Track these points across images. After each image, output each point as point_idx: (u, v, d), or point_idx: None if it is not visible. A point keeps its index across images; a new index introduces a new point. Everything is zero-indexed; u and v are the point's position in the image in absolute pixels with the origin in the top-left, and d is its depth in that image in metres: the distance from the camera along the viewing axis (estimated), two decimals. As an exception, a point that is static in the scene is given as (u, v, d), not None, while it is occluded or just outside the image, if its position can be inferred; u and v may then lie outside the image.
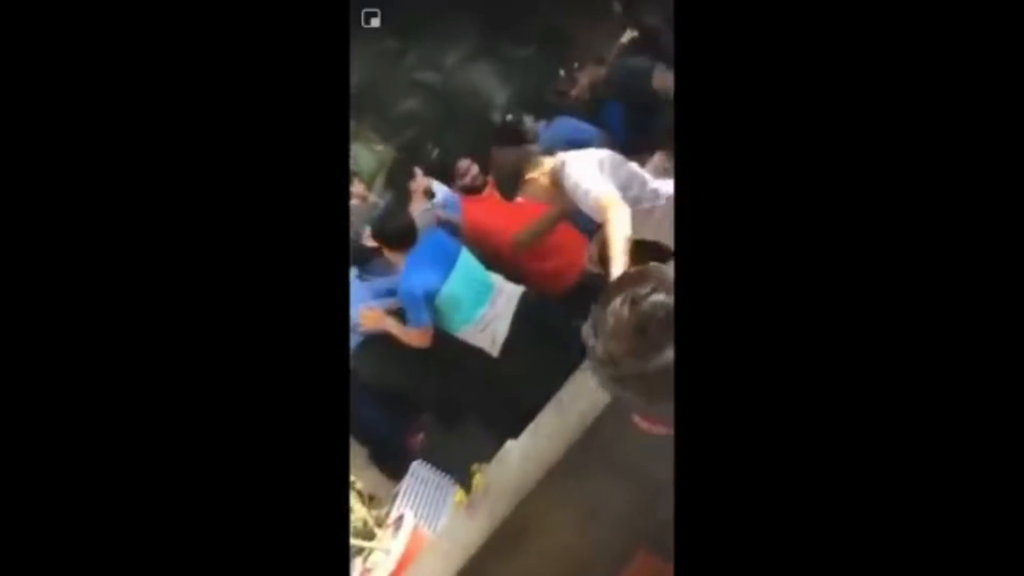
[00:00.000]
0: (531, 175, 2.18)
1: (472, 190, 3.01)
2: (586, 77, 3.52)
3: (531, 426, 1.89)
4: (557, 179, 2.14)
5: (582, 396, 1.76)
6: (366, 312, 2.77)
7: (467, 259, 2.75)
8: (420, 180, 3.36)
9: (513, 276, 2.81)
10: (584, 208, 2.04)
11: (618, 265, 1.72)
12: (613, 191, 1.95)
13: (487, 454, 2.09)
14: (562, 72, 3.69)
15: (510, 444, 2.01)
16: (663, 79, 2.88)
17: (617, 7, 3.55)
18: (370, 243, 2.89)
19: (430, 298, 2.64)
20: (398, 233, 2.75)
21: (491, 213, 2.89)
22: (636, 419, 0.88)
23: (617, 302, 0.84)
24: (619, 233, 1.78)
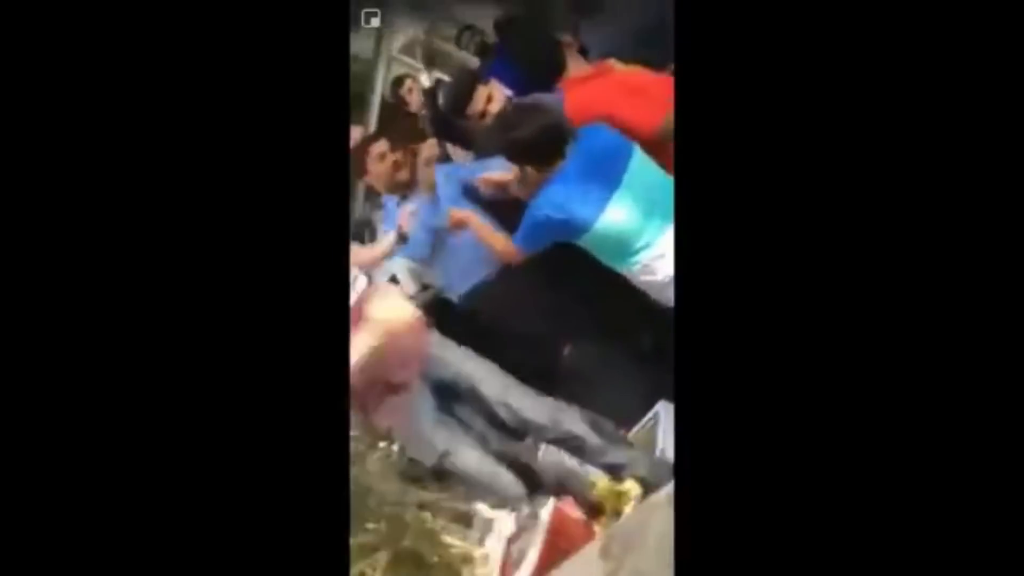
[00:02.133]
0: None
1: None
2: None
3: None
4: None
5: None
6: (456, 213, 2.08)
7: (641, 163, 1.87)
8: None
9: None
10: None
11: None
12: None
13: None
14: None
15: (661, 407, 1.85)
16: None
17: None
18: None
19: (572, 233, 1.85)
20: (543, 140, 1.80)
21: (605, 94, 2.05)
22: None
23: None
24: None
